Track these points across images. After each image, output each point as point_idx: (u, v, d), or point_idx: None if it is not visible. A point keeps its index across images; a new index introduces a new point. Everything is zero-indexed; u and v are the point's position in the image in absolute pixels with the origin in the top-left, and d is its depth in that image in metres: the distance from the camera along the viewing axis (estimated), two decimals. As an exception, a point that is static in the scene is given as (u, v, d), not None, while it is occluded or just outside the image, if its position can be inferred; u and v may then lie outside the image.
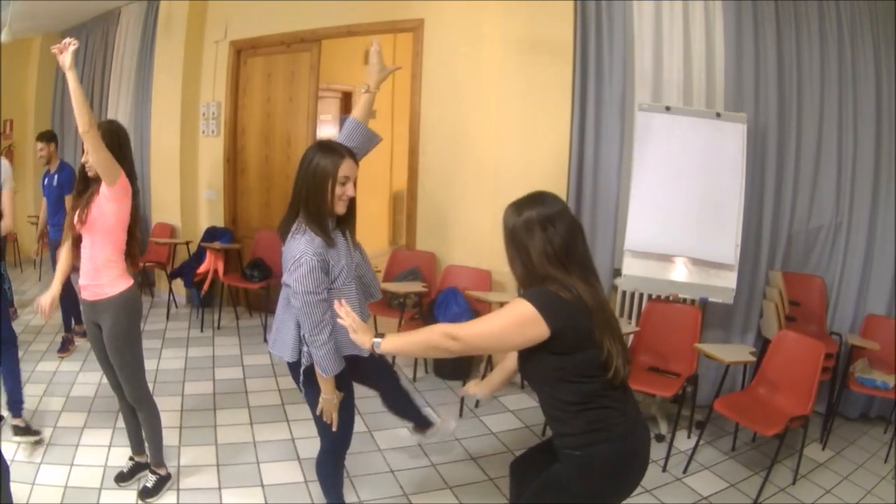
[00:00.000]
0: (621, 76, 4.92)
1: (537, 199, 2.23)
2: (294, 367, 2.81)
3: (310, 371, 2.73)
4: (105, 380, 3.55)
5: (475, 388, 2.72)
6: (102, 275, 3.22)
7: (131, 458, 3.66)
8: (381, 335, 2.28)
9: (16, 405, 4.03)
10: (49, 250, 5.65)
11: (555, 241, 2.13)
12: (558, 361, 2.12)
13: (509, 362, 2.64)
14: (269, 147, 7.06)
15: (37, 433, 4.04)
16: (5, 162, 3.89)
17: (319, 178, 2.57)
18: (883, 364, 4.38)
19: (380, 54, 3.05)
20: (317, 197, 2.58)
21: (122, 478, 3.58)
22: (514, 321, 2.08)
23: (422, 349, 2.31)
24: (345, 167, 2.58)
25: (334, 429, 2.81)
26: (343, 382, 2.79)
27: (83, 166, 3.20)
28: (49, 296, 3.21)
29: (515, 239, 2.20)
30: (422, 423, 3.44)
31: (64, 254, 3.35)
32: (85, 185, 3.23)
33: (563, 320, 2.06)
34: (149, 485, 3.49)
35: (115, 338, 3.23)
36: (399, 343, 2.30)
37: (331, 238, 2.62)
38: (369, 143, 2.99)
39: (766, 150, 4.72)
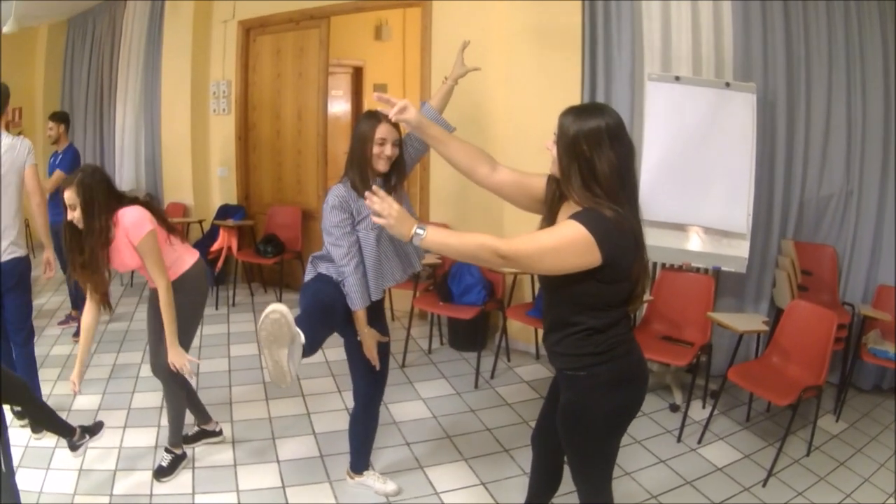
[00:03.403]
0: (630, 47, 4.87)
1: (599, 108, 2.08)
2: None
3: (312, 283, 2.99)
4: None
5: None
6: (167, 261, 3.23)
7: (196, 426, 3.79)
8: (424, 226, 2.09)
9: None
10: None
11: (620, 157, 2.02)
12: (597, 288, 2.06)
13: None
14: (280, 122, 7.07)
15: None
16: (27, 140, 3.85)
17: (360, 139, 2.86)
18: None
19: (462, 52, 3.21)
20: (359, 156, 2.87)
21: (188, 441, 3.72)
22: (569, 246, 1.97)
23: (464, 257, 2.10)
24: (381, 130, 2.83)
25: (377, 367, 3.07)
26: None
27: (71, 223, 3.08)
28: (76, 373, 3.20)
29: (577, 147, 2.03)
30: (360, 466, 3.45)
31: (85, 322, 3.23)
32: (77, 240, 3.11)
33: (616, 253, 1.99)
34: (164, 464, 3.50)
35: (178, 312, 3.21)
36: (442, 240, 2.08)
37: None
38: None
39: (776, 119, 4.68)
